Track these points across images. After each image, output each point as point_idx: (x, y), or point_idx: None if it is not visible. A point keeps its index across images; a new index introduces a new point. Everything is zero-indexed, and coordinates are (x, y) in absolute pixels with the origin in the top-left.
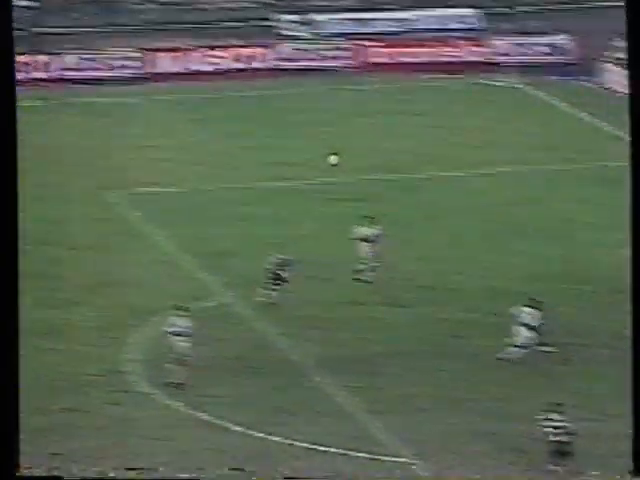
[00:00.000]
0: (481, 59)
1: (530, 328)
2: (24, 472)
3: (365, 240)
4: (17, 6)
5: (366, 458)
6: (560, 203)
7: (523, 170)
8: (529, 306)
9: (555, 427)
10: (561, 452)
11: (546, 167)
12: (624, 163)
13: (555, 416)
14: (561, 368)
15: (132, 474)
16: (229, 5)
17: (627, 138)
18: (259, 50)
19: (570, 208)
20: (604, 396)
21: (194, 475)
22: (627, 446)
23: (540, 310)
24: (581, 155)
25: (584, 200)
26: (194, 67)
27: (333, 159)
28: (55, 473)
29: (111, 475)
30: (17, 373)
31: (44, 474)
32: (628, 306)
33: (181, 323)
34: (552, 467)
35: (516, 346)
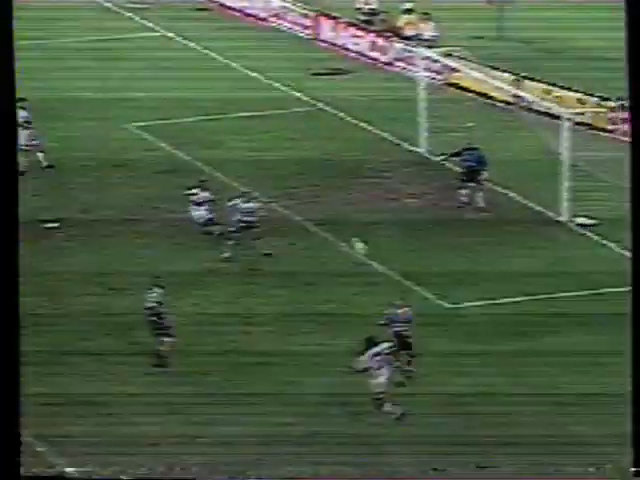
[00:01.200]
0: None
1: None
2: (26, 472)
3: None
4: None
5: None
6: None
7: None
8: None
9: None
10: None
11: None
12: None
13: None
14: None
15: (132, 474)
16: None
17: None
18: None
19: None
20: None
21: (195, 475)
22: None
23: None
24: None
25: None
26: None
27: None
28: (56, 473)
29: (112, 475)
30: (17, 373)
31: (45, 474)
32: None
33: None
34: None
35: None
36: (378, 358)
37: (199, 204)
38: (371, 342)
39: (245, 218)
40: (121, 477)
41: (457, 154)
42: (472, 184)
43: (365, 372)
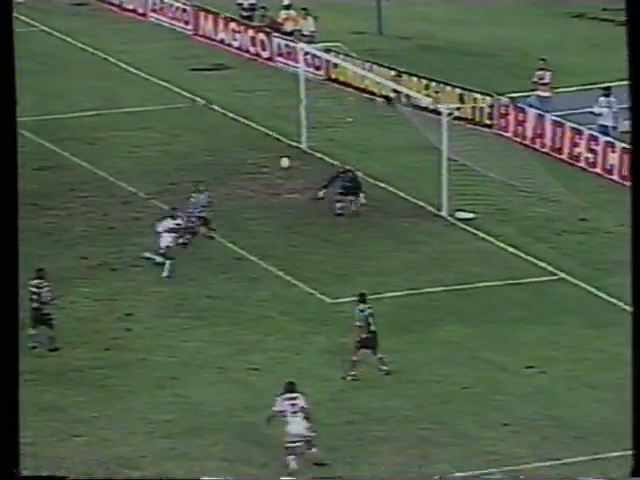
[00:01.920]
0: None
1: None
2: (25, 472)
3: None
4: None
5: None
6: None
7: None
8: None
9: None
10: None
11: None
12: None
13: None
14: None
15: (131, 474)
16: None
17: None
18: None
19: None
20: None
21: (194, 475)
22: None
23: None
24: None
25: None
26: None
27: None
28: (55, 473)
29: (111, 475)
30: (17, 373)
31: (44, 474)
32: None
33: None
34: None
35: None
36: (293, 402)
37: (171, 230)
38: (289, 387)
39: (201, 214)
40: (126, 477)
41: (334, 178)
42: (350, 197)
43: (280, 416)
